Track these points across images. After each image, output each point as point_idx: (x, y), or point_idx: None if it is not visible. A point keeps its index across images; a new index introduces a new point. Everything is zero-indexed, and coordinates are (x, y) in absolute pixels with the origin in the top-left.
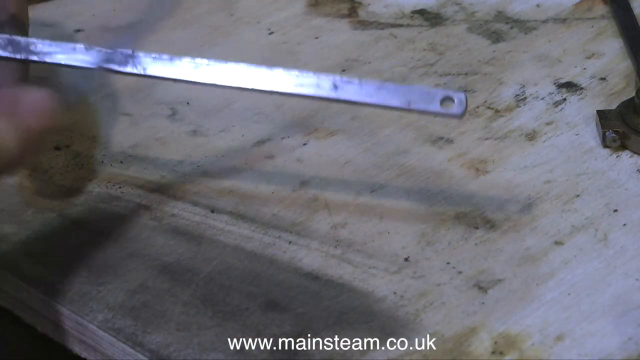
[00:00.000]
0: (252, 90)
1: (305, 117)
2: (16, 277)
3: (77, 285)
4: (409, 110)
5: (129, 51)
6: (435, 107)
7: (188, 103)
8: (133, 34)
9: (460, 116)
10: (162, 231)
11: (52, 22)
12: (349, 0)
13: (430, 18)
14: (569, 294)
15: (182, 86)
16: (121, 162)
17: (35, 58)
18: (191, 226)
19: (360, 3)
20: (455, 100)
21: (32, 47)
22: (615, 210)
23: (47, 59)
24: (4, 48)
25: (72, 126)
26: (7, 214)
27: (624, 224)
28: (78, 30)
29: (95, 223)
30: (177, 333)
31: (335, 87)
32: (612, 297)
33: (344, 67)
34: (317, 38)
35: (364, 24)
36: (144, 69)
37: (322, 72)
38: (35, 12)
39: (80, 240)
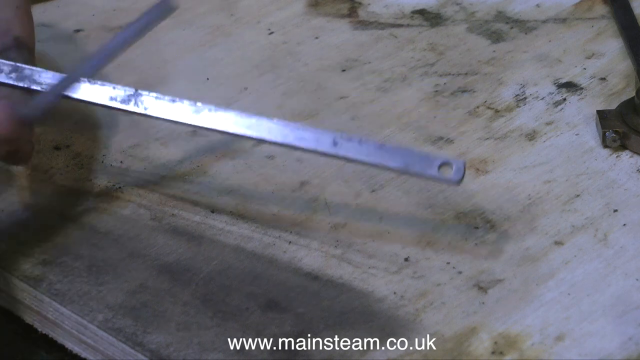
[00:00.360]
0: (251, 138)
1: (305, 117)
2: (16, 277)
3: (77, 285)
4: (406, 173)
5: (132, 89)
6: (433, 172)
7: None
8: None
9: (458, 182)
10: (162, 231)
11: (52, 22)
12: (349, 0)
13: (430, 18)
14: (569, 294)
15: (182, 86)
16: (121, 162)
17: (37, 88)
18: (191, 226)
19: (360, 3)
20: (454, 167)
21: (35, 77)
22: (615, 210)
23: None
24: (8, 74)
25: (72, 126)
26: (7, 213)
27: (624, 224)
28: (78, 30)
29: (95, 223)
30: (177, 333)
31: (335, 143)
32: (612, 297)
33: (344, 67)
34: (317, 38)
35: (364, 24)
36: (145, 109)
37: (323, 129)
38: (35, 12)
39: (80, 240)
